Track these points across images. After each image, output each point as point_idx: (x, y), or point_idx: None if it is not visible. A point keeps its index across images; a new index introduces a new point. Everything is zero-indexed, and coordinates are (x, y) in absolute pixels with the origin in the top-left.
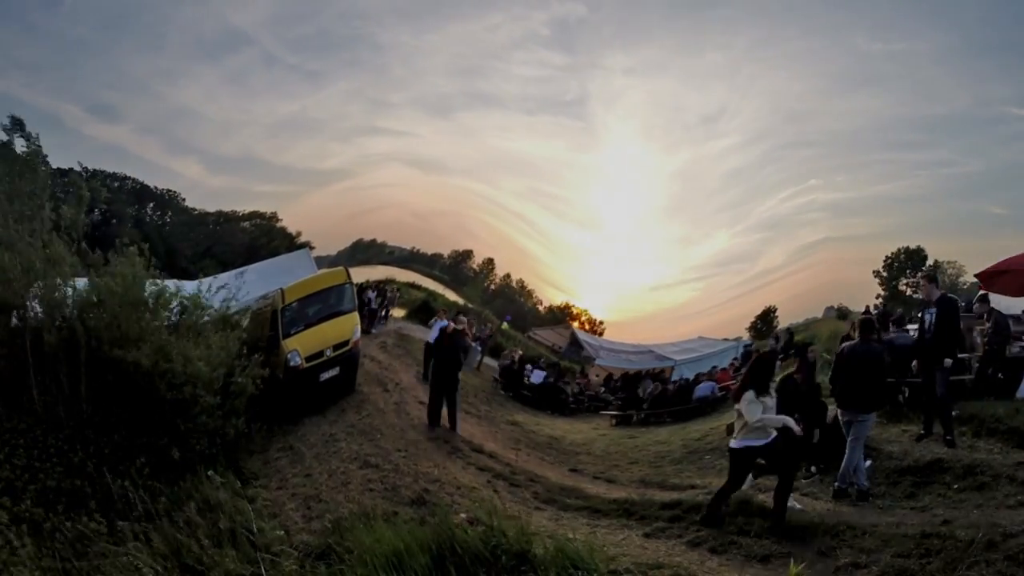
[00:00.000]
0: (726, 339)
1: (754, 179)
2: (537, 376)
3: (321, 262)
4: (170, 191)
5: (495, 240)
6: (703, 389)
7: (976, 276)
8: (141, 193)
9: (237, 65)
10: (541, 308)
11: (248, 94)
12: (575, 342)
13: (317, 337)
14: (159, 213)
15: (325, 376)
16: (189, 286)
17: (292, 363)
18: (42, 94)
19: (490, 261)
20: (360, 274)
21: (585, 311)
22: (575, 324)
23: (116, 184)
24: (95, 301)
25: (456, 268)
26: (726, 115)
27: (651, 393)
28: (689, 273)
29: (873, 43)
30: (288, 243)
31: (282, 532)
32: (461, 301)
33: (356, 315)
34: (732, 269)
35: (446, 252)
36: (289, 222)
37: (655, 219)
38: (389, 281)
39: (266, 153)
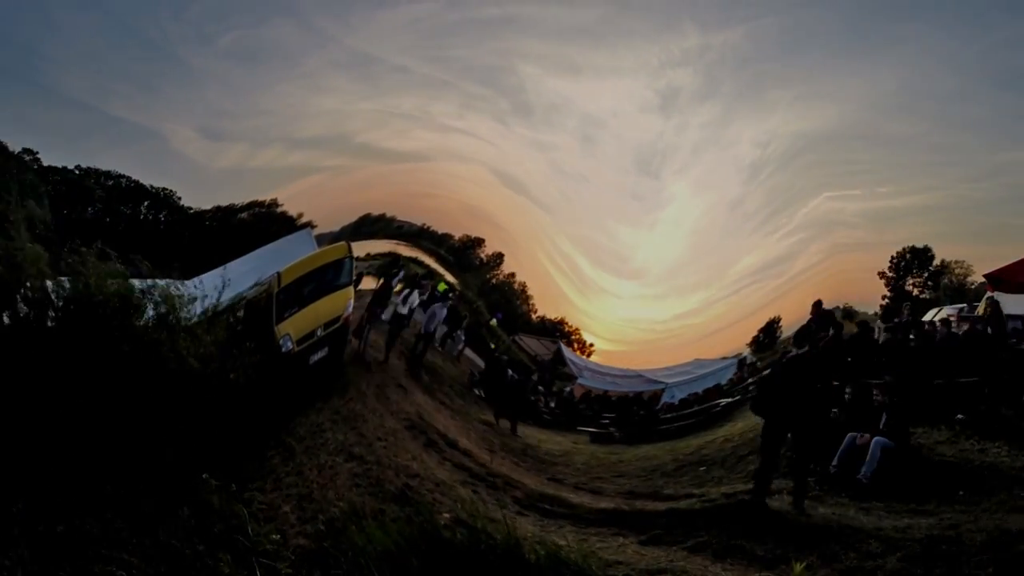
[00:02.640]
0: (724, 357)
1: (794, 186)
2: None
3: (323, 239)
4: (165, 189)
5: (530, 267)
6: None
7: (985, 276)
8: (136, 191)
9: (365, 74)
10: (534, 316)
11: (368, 92)
12: (559, 358)
13: (310, 317)
14: (154, 212)
15: (315, 358)
16: (185, 285)
17: (284, 349)
18: (163, 119)
19: (499, 255)
20: (362, 248)
21: (577, 330)
22: (563, 342)
23: (110, 183)
24: (80, 301)
25: (463, 252)
26: (774, 142)
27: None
28: (723, 290)
29: (907, 83)
30: (289, 227)
31: (278, 536)
32: (458, 286)
33: (351, 289)
34: (772, 273)
35: (457, 235)
36: (330, 195)
37: (695, 256)
38: (391, 256)
39: (352, 133)
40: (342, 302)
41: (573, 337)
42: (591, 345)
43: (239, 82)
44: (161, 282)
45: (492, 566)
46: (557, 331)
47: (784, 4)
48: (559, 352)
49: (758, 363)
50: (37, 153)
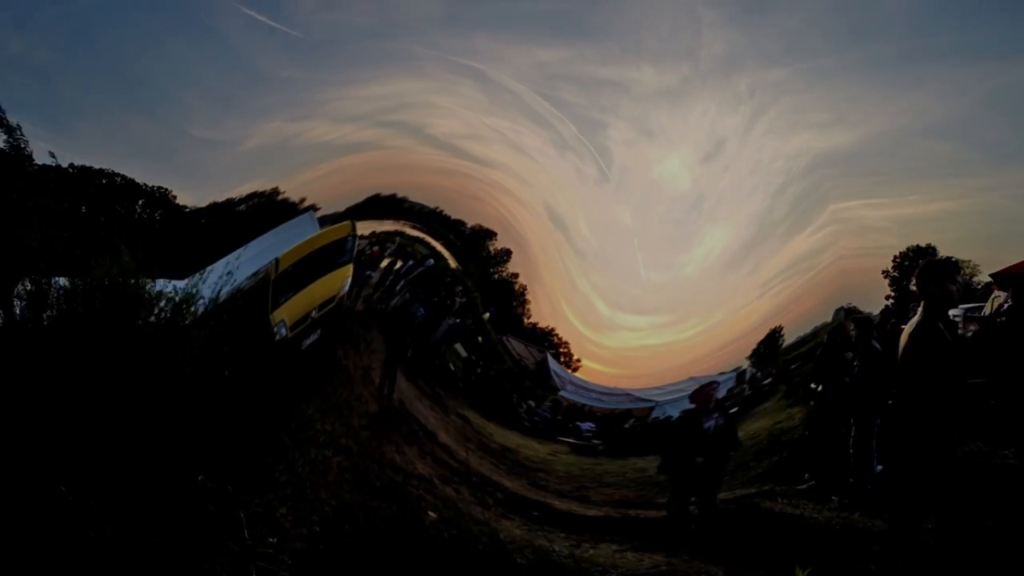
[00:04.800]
0: (722, 373)
1: (820, 195)
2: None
3: (326, 221)
4: (160, 188)
5: (542, 294)
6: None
7: (991, 276)
8: (129, 190)
9: (474, 88)
10: (526, 321)
11: (469, 101)
12: (543, 368)
13: (304, 300)
14: (148, 211)
15: (307, 342)
16: (182, 284)
17: (278, 336)
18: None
19: (507, 252)
20: (367, 227)
21: (567, 343)
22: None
23: (103, 181)
24: (77, 301)
25: (471, 241)
26: (804, 158)
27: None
28: (747, 296)
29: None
30: (291, 212)
31: (274, 540)
32: (459, 272)
33: (350, 267)
34: (800, 268)
35: (470, 223)
36: (375, 173)
37: (722, 273)
38: (398, 234)
39: (430, 125)
40: (339, 281)
41: (561, 351)
42: (577, 360)
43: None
44: (170, 282)
45: (482, 569)
46: (546, 341)
47: (827, 49)
48: (544, 362)
49: (758, 374)
50: (30, 152)
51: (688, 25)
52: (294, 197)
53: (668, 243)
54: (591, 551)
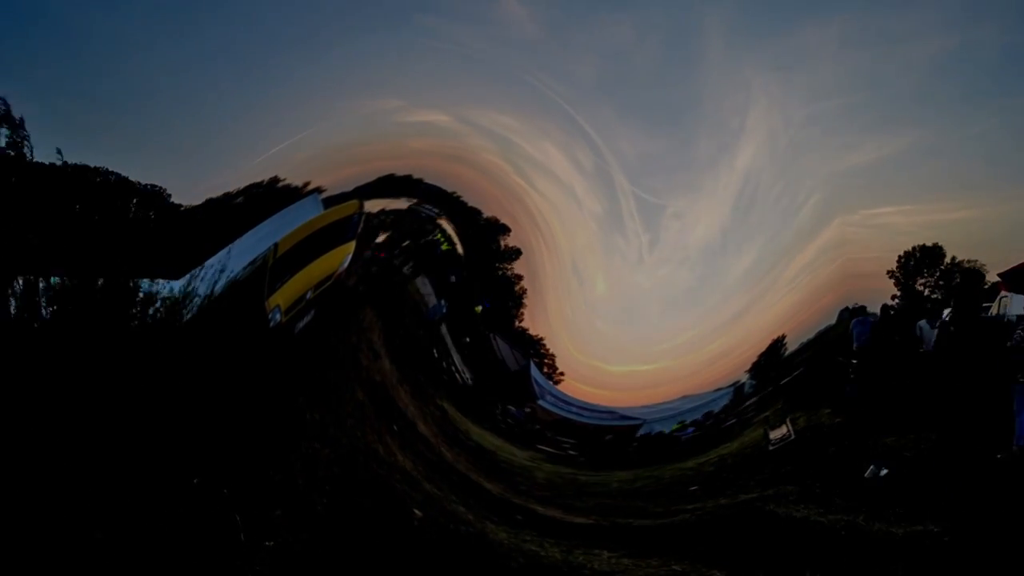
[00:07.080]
0: (719, 388)
1: (845, 201)
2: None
3: (331, 202)
4: (154, 186)
5: (543, 323)
6: None
7: (999, 275)
8: (124, 189)
9: (575, 144)
10: (518, 323)
11: (557, 138)
12: (525, 374)
13: (301, 281)
14: (143, 210)
15: (300, 325)
16: (178, 284)
17: (272, 323)
18: None
19: (517, 252)
20: (375, 206)
21: (552, 355)
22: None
23: (98, 179)
24: (69, 301)
25: (484, 231)
26: (829, 170)
27: None
28: (758, 306)
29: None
30: (294, 197)
31: (271, 543)
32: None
33: (351, 244)
34: (828, 257)
35: (487, 214)
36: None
37: (746, 282)
38: (408, 213)
39: (510, 139)
40: (338, 259)
41: (545, 361)
42: (561, 373)
43: None
44: (162, 282)
45: (471, 571)
46: (532, 349)
47: (862, 85)
48: (526, 367)
49: (758, 384)
50: (23, 148)
51: (742, 93)
52: (319, 172)
53: (694, 285)
54: (582, 557)
